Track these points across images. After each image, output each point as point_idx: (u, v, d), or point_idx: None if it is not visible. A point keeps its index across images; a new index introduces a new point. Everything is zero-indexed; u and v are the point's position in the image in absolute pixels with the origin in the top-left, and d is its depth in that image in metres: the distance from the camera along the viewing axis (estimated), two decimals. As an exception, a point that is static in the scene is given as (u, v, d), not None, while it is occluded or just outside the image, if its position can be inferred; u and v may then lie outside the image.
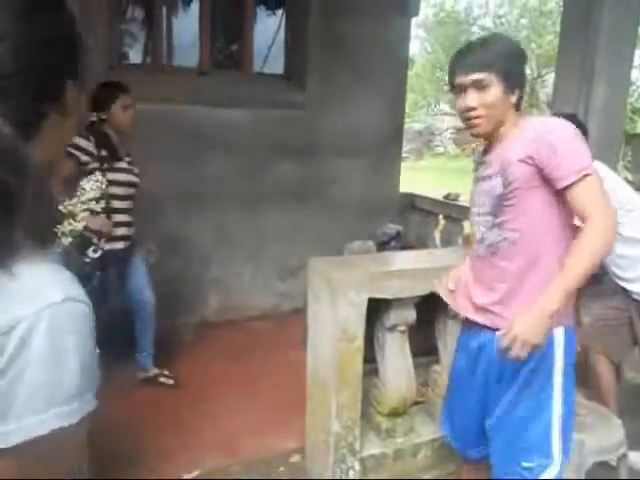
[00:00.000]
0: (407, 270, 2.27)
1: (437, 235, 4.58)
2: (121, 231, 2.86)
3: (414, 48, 23.58)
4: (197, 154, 4.08)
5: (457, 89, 1.59)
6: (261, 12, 4.66)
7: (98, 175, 2.35)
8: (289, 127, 4.37)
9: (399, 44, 4.71)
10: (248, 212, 4.33)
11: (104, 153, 2.75)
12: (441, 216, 4.54)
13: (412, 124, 25.79)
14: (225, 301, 4.38)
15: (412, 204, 4.92)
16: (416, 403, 2.64)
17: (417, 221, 4.86)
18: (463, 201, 4.42)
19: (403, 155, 21.57)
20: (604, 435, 2.05)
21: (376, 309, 2.29)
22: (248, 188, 4.30)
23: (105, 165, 2.69)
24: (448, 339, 2.51)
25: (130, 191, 2.91)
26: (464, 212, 4.27)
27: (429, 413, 2.64)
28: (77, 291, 0.59)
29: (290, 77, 4.52)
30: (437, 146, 25.42)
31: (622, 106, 2.90)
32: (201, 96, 4.06)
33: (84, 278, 2.19)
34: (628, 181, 15.36)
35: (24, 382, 0.53)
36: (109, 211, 2.70)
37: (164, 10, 4.28)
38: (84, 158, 2.64)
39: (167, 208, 4.01)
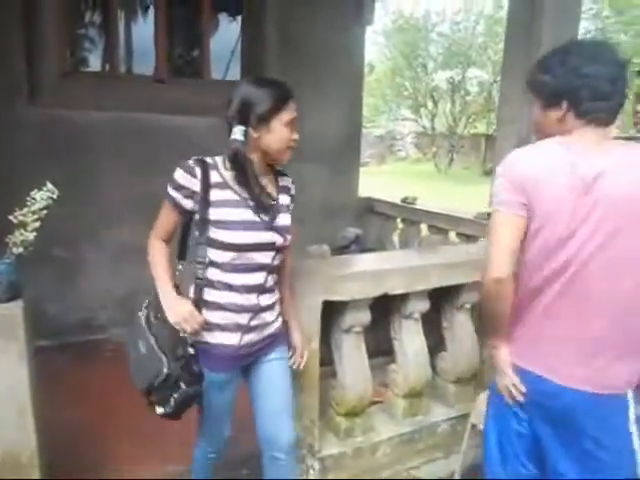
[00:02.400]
0: (361, 272, 2.33)
1: (396, 238, 4.67)
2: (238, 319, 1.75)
3: (374, 54, 23.91)
4: (157, 162, 4.06)
5: None
6: (222, 19, 4.70)
7: (49, 184, 1.83)
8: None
9: (355, 51, 4.80)
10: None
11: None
12: (399, 219, 4.63)
13: (374, 129, 26.12)
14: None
15: (371, 208, 5.01)
16: (375, 403, 2.71)
17: (376, 224, 4.95)
18: (420, 204, 4.53)
19: (365, 160, 21.73)
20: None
21: (332, 311, 2.34)
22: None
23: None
24: (404, 338, 2.58)
25: (265, 259, 1.75)
26: (421, 215, 4.38)
27: (388, 412, 2.70)
28: None
29: (247, 84, 4.54)
30: (399, 150, 25.79)
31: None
32: (159, 104, 4.06)
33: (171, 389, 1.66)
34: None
35: None
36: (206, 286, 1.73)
37: (121, 15, 4.26)
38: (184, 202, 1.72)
39: (127, 216, 3.99)
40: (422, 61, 22.06)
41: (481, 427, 2.26)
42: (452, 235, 3.92)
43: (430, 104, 22.94)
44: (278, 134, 1.69)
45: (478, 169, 19.87)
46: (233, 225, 1.66)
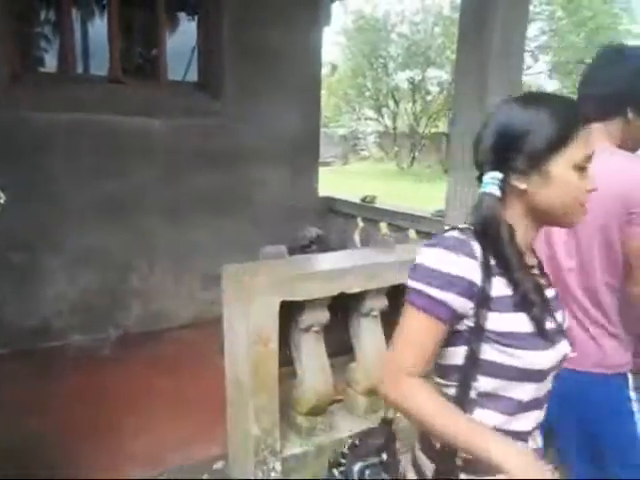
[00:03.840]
0: (319, 272, 2.35)
1: (357, 237, 4.71)
2: None
3: (337, 54, 24.02)
4: (114, 163, 4.01)
5: None
6: (182, 19, 4.66)
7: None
8: (207, 135, 4.38)
9: (313, 52, 4.82)
10: (170, 221, 4.29)
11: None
12: (360, 218, 4.67)
13: (337, 129, 26.25)
14: (147, 312, 4.32)
15: (332, 207, 5.04)
16: (336, 401, 2.73)
17: (338, 224, 4.98)
18: (380, 203, 4.58)
19: (329, 159, 21.82)
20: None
21: (291, 311, 2.35)
22: (169, 197, 4.27)
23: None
24: (362, 337, 2.60)
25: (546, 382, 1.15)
26: (381, 214, 4.43)
27: (349, 410, 2.72)
28: None
29: (205, 85, 4.52)
30: (362, 150, 25.99)
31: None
32: (114, 104, 3.99)
33: None
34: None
35: None
36: None
37: (75, 15, 4.17)
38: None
39: (85, 219, 3.92)
40: (383, 61, 22.27)
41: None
42: (412, 233, 3.98)
43: (391, 104, 23.18)
44: (564, 184, 1.04)
45: (439, 167, 20.18)
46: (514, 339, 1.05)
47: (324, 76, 23.69)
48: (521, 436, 1.10)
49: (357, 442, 1.30)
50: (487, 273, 1.03)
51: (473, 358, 1.06)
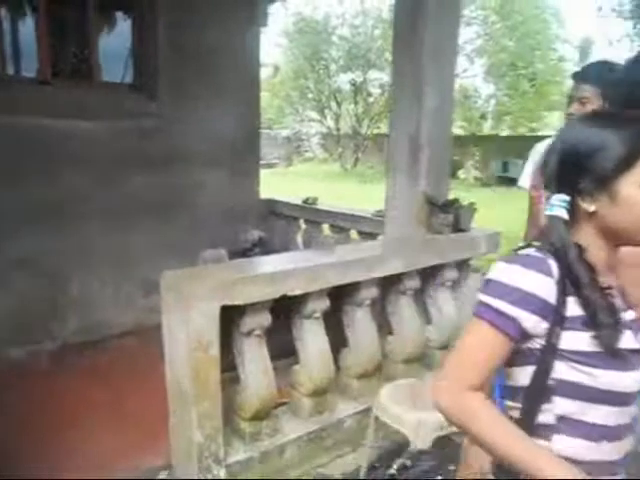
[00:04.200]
0: (259, 275, 2.33)
1: (299, 239, 4.71)
2: None
3: (279, 56, 23.98)
4: (47, 167, 3.85)
5: None
6: (119, 19, 4.52)
7: None
8: (144, 137, 4.27)
9: (250, 53, 4.79)
10: (107, 226, 4.16)
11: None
12: (302, 220, 4.68)
13: (281, 130, 26.20)
14: (86, 321, 4.16)
15: (274, 210, 5.02)
16: (281, 404, 2.72)
17: (280, 226, 4.96)
18: (321, 204, 4.60)
19: (273, 161, 21.64)
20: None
21: (232, 315, 2.32)
22: (105, 201, 4.13)
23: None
24: (305, 339, 2.60)
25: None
26: (323, 215, 4.45)
27: (294, 412, 2.71)
28: None
29: (140, 86, 4.40)
30: (306, 151, 26.03)
31: (449, 110, 3.21)
32: (43, 106, 3.83)
33: None
34: (476, 178, 16.74)
35: None
36: None
37: (4, 15, 3.98)
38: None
39: (17, 225, 3.73)
40: (324, 63, 22.39)
41: (384, 419, 2.34)
42: (353, 233, 4.01)
43: (334, 105, 23.33)
44: (633, 204, 1.01)
45: (382, 168, 20.47)
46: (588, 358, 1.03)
47: (267, 77, 23.59)
48: (608, 467, 1.06)
49: (408, 463, 1.26)
50: (563, 292, 1.02)
51: (543, 378, 1.04)
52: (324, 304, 2.56)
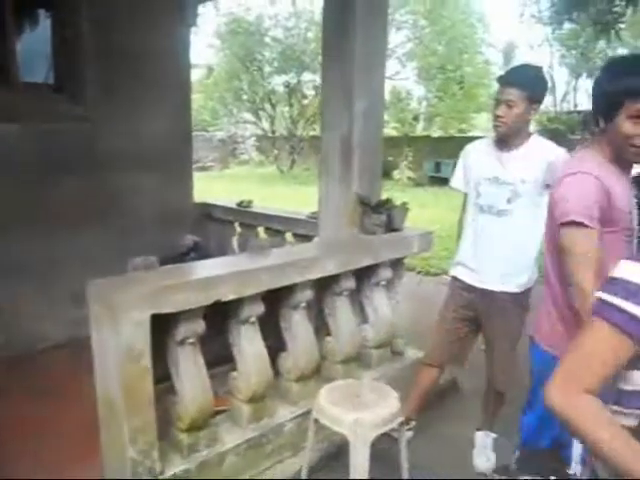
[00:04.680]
0: (191, 281, 2.27)
1: (235, 243, 4.65)
2: None
3: (211, 57, 23.64)
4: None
5: None
6: (41, 19, 4.30)
7: None
8: (72, 141, 4.09)
9: (180, 53, 4.69)
10: (35, 233, 3.94)
11: None
12: (237, 224, 4.62)
13: (215, 132, 25.83)
14: (13, 335, 3.93)
15: (209, 214, 4.93)
16: (219, 412, 2.66)
17: (215, 230, 4.88)
18: (256, 207, 4.56)
19: (208, 164, 21.26)
20: (382, 410, 2.28)
21: (165, 324, 2.25)
22: (31, 209, 3.92)
23: None
24: (242, 344, 2.56)
25: None
26: (258, 218, 4.41)
27: (233, 420, 2.67)
28: None
29: (65, 88, 4.21)
30: (242, 154, 25.79)
31: (380, 112, 3.25)
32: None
33: None
34: (410, 178, 17.08)
35: None
36: None
37: None
38: None
39: None
40: (258, 65, 22.27)
41: (323, 422, 2.33)
42: (288, 236, 4.00)
43: (269, 107, 23.26)
44: None
45: (318, 170, 20.55)
46: None
47: (200, 79, 23.17)
48: None
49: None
50: None
51: None
52: (259, 308, 2.53)
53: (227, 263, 2.64)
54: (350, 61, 2.95)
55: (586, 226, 1.63)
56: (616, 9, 11.01)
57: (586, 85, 20.95)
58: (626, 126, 1.62)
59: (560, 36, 20.36)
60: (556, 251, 1.79)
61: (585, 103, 20.30)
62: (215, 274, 2.35)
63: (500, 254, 2.51)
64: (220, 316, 2.53)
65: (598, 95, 1.71)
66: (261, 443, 2.64)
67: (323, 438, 2.65)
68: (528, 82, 2.36)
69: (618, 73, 1.64)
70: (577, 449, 1.55)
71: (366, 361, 3.19)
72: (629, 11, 11.65)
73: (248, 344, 2.56)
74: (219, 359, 2.74)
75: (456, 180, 2.74)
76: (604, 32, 12.07)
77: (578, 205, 1.65)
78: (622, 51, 24.05)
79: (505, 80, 2.40)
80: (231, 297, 2.35)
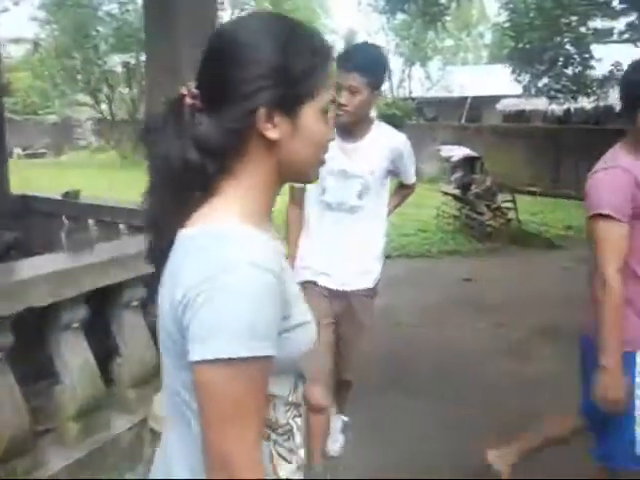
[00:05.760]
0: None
1: (64, 238, 4.18)
2: None
3: (37, 31, 21.36)
4: None
5: None
6: None
7: None
8: None
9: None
10: None
11: None
12: (64, 217, 4.15)
13: (46, 116, 23.52)
14: None
15: (30, 207, 4.39)
16: (44, 432, 2.35)
17: (40, 225, 4.35)
18: (86, 198, 4.14)
19: (40, 150, 19.42)
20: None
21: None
22: None
23: None
24: (65, 353, 2.27)
25: None
26: (88, 210, 4.00)
27: (59, 440, 2.37)
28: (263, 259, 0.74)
29: None
30: (79, 139, 23.84)
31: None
32: None
33: None
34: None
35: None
36: None
37: None
38: None
39: None
40: (93, 42, 20.56)
41: (159, 429, 2.15)
42: (122, 227, 3.67)
43: (106, 89, 21.66)
44: None
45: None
46: None
47: (25, 55, 20.88)
48: None
49: None
50: None
51: None
52: (82, 312, 2.26)
53: (39, 264, 2.31)
54: (175, 39, 2.73)
55: (615, 219, 1.67)
56: (442, 1, 11.91)
57: (419, 74, 22.28)
58: None
59: (394, 26, 21.53)
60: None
61: (419, 90, 21.65)
62: (25, 277, 2.04)
63: (355, 253, 2.32)
64: (35, 324, 2.22)
65: (627, 91, 1.76)
66: (96, 459, 2.39)
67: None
68: (371, 65, 2.14)
69: None
70: None
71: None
72: (454, 4, 12.68)
73: (72, 352, 2.28)
74: (40, 373, 2.43)
75: None
76: (432, 23, 13.02)
77: (608, 199, 1.69)
78: (449, 42, 26.20)
79: (346, 63, 2.09)
80: (47, 302, 2.06)
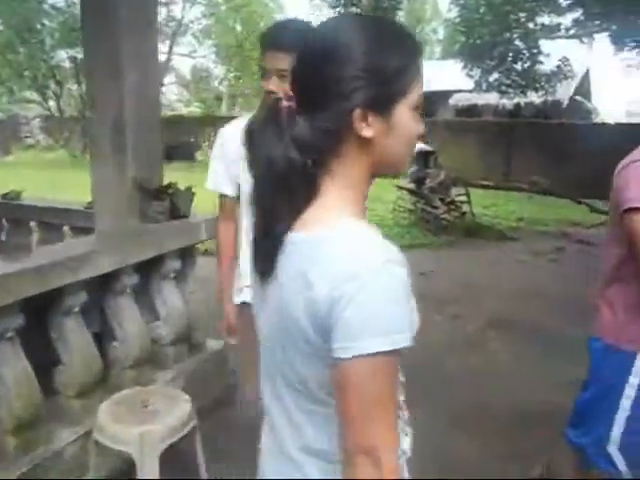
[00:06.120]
0: None
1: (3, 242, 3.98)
2: None
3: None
4: None
5: None
6: None
7: None
8: None
9: None
10: None
11: None
12: (4, 219, 3.95)
13: (-9, 113, 22.62)
14: None
15: (-34, 209, 4.15)
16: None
17: (-23, 228, 4.13)
18: (26, 199, 3.94)
19: (-16, 150, 18.41)
20: (172, 418, 2.06)
21: None
22: None
23: None
24: (1, 368, 2.14)
25: None
26: (29, 212, 3.82)
27: (-2, 455, 2.23)
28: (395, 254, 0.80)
29: None
30: (26, 137, 23.00)
31: (156, 90, 3.00)
32: None
33: None
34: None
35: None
36: None
37: None
38: None
39: None
40: (38, 36, 19.80)
41: (104, 442, 2.04)
42: (66, 229, 3.52)
43: (53, 85, 20.92)
44: None
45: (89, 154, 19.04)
46: None
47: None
48: None
49: None
50: None
51: None
52: (17, 320, 2.12)
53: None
54: (115, 32, 2.61)
55: None
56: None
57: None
58: None
59: (348, 20, 21.54)
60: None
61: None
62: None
63: None
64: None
65: None
66: (39, 474, 2.26)
67: (106, 460, 2.34)
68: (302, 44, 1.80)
69: None
70: None
71: (162, 361, 2.93)
72: (406, -1, 12.78)
73: (5, 365, 2.14)
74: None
75: (214, 180, 2.07)
76: (385, 18, 13.09)
77: (638, 192, 1.62)
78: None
79: (273, 43, 1.77)
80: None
